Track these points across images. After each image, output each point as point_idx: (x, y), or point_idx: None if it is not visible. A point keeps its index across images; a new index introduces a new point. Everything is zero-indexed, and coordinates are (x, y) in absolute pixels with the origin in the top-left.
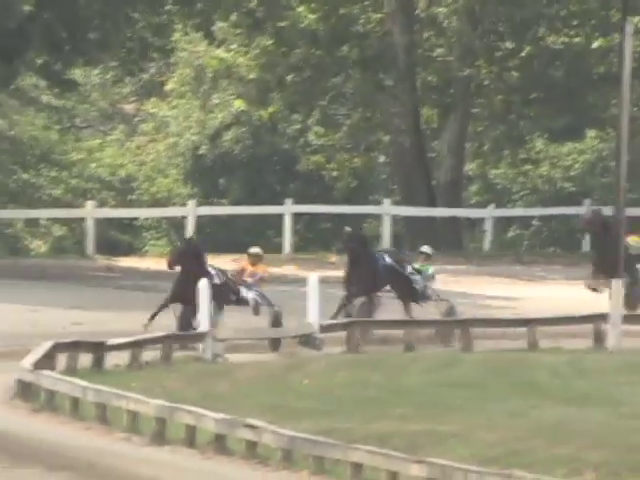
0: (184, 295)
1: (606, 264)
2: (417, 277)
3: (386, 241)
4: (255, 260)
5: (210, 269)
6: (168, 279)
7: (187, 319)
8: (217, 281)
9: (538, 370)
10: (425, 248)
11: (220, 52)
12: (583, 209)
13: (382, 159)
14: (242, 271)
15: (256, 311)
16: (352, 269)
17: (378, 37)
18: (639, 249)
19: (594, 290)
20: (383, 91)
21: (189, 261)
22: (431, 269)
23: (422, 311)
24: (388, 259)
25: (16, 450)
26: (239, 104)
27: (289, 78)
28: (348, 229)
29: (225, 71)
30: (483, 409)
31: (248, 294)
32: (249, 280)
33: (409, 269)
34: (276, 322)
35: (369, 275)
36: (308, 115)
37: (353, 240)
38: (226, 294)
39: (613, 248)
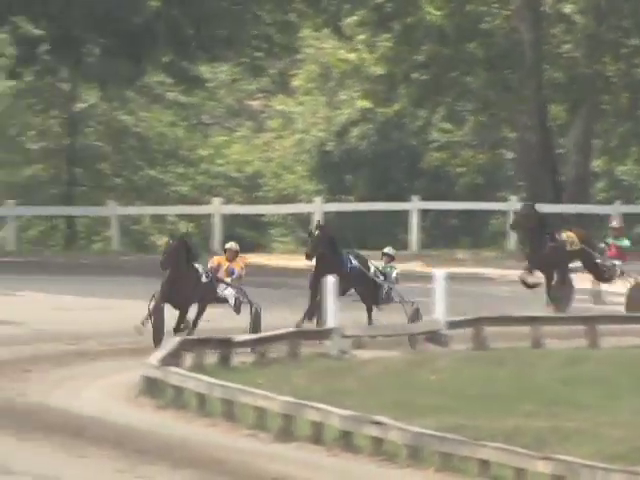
0: (173, 295)
1: (541, 260)
2: (381, 279)
3: (513, 239)
4: (232, 255)
5: (197, 266)
6: (297, 275)
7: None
8: (204, 279)
9: None
10: (388, 249)
11: (345, 53)
12: None
13: (509, 156)
14: (218, 267)
15: (237, 309)
16: (320, 272)
17: (504, 34)
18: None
19: (527, 286)
20: (509, 89)
21: (181, 259)
22: (395, 271)
23: (384, 315)
24: (354, 261)
25: (141, 447)
26: (362, 103)
27: (415, 75)
28: (316, 231)
29: (351, 71)
30: (609, 406)
31: (226, 291)
32: (227, 279)
33: (373, 270)
34: (256, 320)
35: (338, 278)
36: (433, 111)
37: (322, 242)
38: (212, 292)
39: (547, 244)
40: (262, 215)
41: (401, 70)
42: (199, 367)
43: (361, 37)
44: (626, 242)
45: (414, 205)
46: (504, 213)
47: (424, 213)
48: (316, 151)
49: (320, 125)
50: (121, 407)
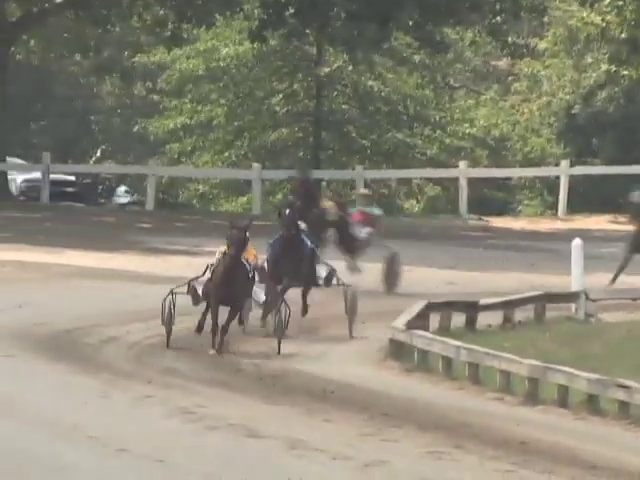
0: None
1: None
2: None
3: None
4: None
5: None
6: (544, 239)
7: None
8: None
9: None
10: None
11: (591, 16)
12: None
13: None
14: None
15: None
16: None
17: None
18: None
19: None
20: None
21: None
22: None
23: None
24: (309, 243)
25: (387, 410)
26: (606, 67)
27: None
28: (286, 210)
29: (597, 34)
30: None
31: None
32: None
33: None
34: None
35: (300, 262)
36: None
37: (293, 224)
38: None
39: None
40: (509, 178)
41: None
42: (445, 330)
43: (607, 3)
44: (376, 210)
45: None
46: None
47: None
48: (563, 114)
49: (567, 88)
50: (366, 370)
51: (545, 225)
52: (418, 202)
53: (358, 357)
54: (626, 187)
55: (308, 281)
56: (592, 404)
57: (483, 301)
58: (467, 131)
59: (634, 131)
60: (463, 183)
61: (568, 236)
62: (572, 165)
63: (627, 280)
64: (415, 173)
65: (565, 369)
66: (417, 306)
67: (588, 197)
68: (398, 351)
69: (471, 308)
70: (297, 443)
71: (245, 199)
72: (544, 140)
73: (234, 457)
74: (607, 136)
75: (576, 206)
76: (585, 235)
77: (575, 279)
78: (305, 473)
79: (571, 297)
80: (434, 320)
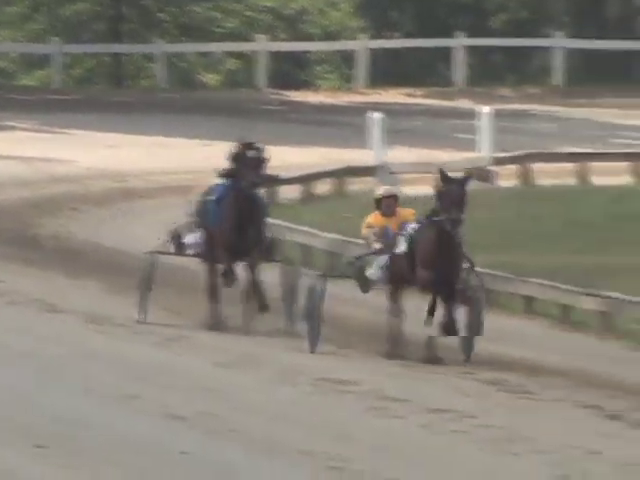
0: None
1: None
2: None
3: (557, 76)
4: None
5: None
6: (342, 113)
7: None
8: None
9: None
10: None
11: None
12: None
13: None
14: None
15: None
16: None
17: None
18: None
19: None
20: None
21: None
22: None
23: None
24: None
25: (189, 283)
26: None
27: None
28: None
29: None
30: None
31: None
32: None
33: None
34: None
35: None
36: None
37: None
38: None
39: None
40: (308, 52)
41: None
42: None
43: None
44: None
45: (459, 42)
46: (548, 49)
47: (469, 50)
48: None
49: None
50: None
51: (344, 99)
52: (217, 75)
53: (160, 232)
54: (424, 61)
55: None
56: None
57: (283, 175)
58: (267, 4)
59: (432, 5)
60: (262, 57)
61: (366, 109)
62: (371, 39)
63: (425, 153)
64: (215, 47)
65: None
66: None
67: (387, 71)
68: None
69: (271, 182)
70: (97, 318)
71: (44, 72)
72: (343, 14)
73: (30, 329)
74: (406, 10)
75: (375, 80)
76: (383, 108)
77: (375, 152)
78: (106, 347)
79: (372, 170)
80: None
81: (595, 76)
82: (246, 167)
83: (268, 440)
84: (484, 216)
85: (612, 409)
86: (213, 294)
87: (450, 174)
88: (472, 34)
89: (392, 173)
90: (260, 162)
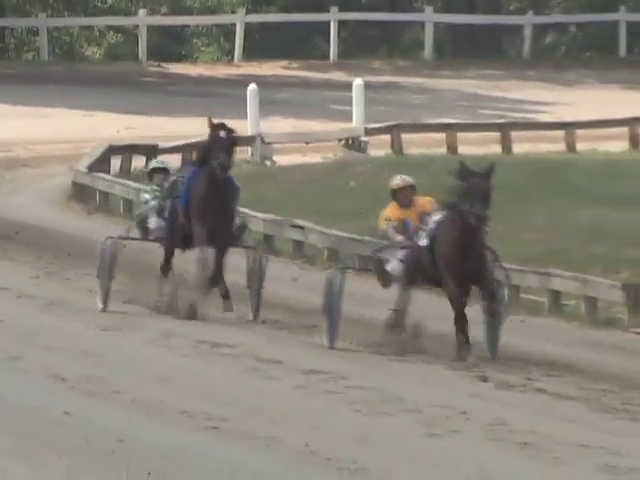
0: None
1: None
2: None
3: (428, 49)
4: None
5: None
6: (221, 85)
7: None
8: None
9: (576, 172)
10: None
11: None
12: (620, 15)
13: None
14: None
15: None
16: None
17: None
18: None
19: None
20: None
21: None
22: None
23: None
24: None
25: (72, 250)
26: None
27: None
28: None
29: None
30: (524, 211)
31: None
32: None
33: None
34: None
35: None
36: None
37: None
38: None
39: None
40: (187, 26)
41: None
42: (126, 173)
43: None
44: None
45: (333, 16)
46: (420, 24)
47: (343, 23)
48: None
49: None
50: (51, 212)
51: (222, 71)
52: (99, 49)
53: (44, 198)
54: (301, 34)
55: None
56: (268, 244)
57: (163, 144)
58: None
59: None
60: (143, 30)
61: (244, 82)
62: (248, 13)
63: (300, 124)
64: (97, 21)
65: (242, 209)
66: (98, 150)
67: (264, 44)
68: (80, 193)
69: (151, 151)
70: None
71: None
72: None
73: None
74: None
75: (252, 53)
76: (260, 81)
77: (251, 123)
78: None
79: (247, 140)
80: (116, 164)
81: (465, 50)
82: (217, 148)
83: (148, 401)
84: (357, 185)
85: (480, 371)
86: (165, 274)
87: (472, 167)
88: (346, 8)
89: (267, 143)
90: (232, 144)
